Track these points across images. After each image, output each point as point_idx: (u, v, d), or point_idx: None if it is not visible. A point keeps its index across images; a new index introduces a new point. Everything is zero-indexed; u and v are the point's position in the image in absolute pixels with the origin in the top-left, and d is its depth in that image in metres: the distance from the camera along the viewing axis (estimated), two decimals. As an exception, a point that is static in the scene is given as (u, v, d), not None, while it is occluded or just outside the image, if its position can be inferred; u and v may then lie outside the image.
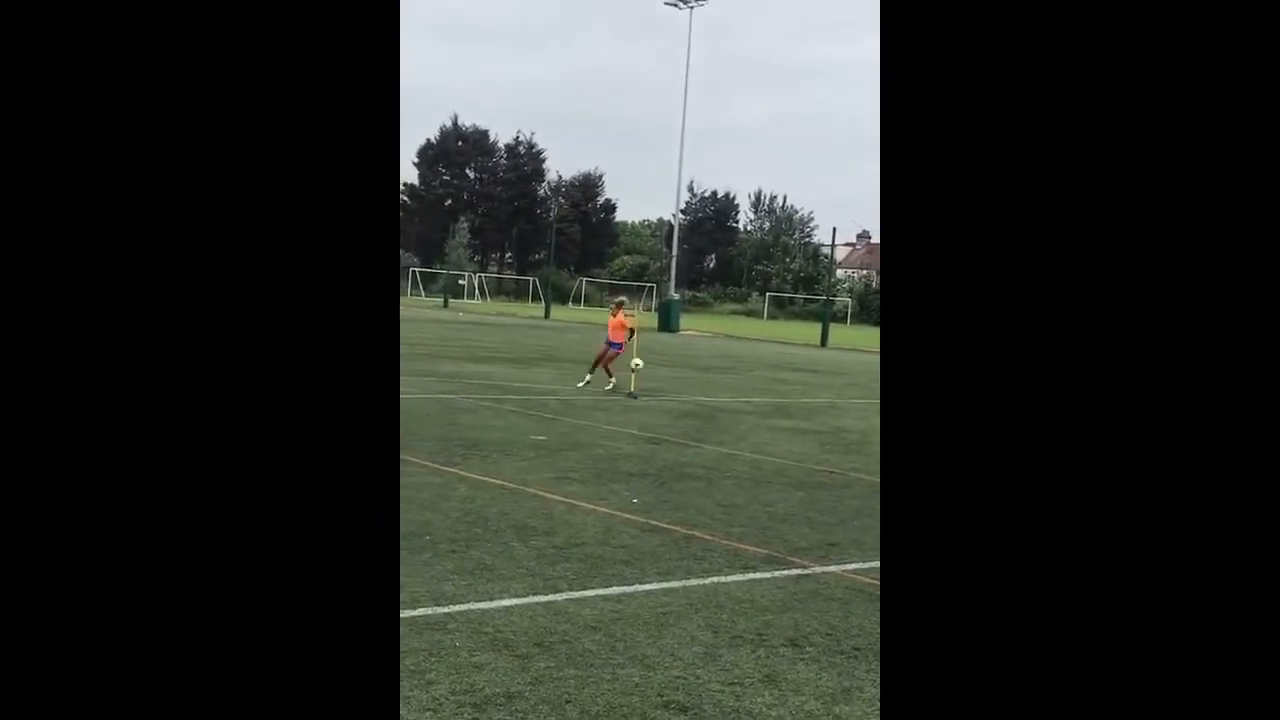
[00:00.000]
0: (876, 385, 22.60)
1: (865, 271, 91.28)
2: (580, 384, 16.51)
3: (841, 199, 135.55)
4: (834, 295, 65.27)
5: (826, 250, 69.50)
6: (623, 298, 18.04)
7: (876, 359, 33.73)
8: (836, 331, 47.76)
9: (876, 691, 4.48)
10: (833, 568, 6.53)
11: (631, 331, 16.76)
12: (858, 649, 5.02)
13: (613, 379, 16.60)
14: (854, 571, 6.47)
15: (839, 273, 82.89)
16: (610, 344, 16.74)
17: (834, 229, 48.80)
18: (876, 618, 5.53)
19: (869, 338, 51.01)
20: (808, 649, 4.97)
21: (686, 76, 54.88)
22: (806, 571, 6.39)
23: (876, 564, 6.69)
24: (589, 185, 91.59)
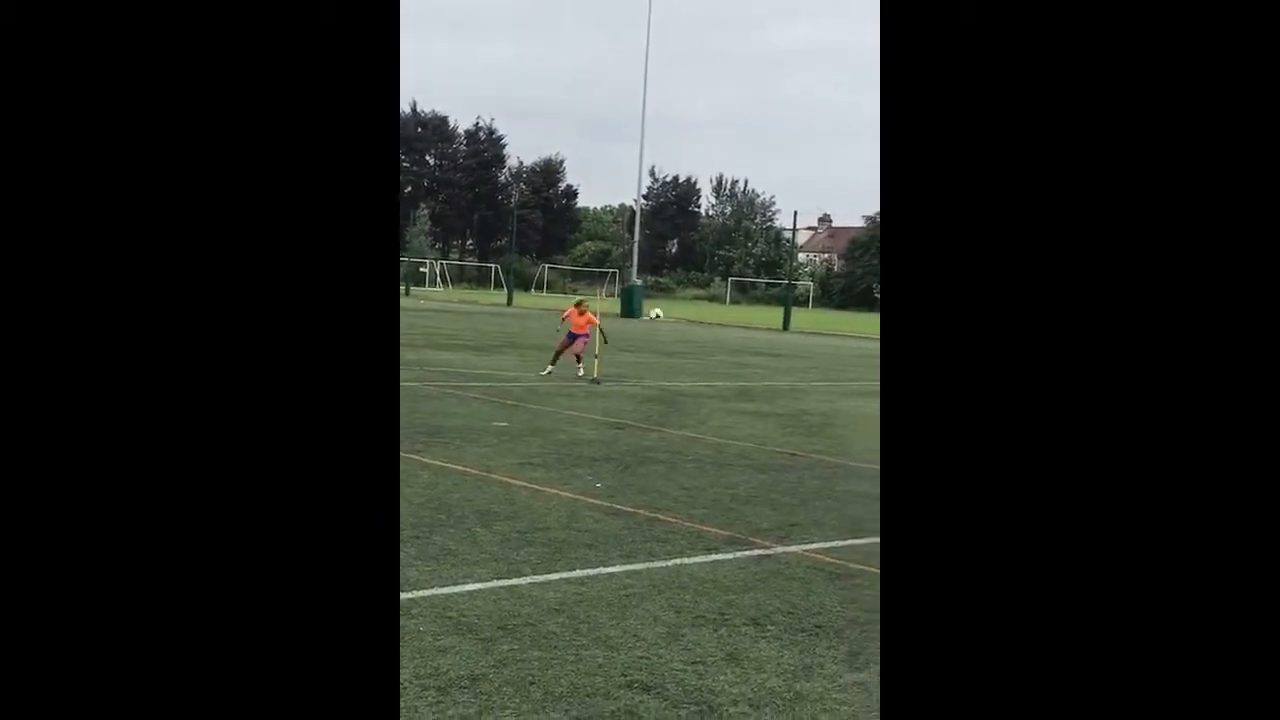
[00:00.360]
0: (838, 368, 22.76)
1: (826, 255, 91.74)
2: (543, 372, 16.52)
3: (802, 183, 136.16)
4: (796, 279, 65.56)
5: (788, 234, 69.85)
6: (581, 297, 18.30)
7: (838, 342, 33.96)
8: (798, 315, 47.99)
9: (837, 668, 4.55)
10: (794, 548, 6.60)
11: (600, 330, 16.89)
12: (819, 627, 5.09)
13: (581, 364, 16.62)
14: (815, 551, 6.55)
15: (800, 256, 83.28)
16: (573, 334, 16.74)
17: (795, 213, 49.19)
18: (837, 596, 5.61)
19: (831, 321, 51.33)
20: (769, 627, 5.03)
21: (646, 62, 54.88)
22: (768, 552, 6.46)
23: (837, 543, 6.78)
24: (550, 171, 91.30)
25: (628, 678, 4.28)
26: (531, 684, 4.14)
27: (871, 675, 4.49)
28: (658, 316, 15.94)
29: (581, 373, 16.44)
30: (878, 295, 77.27)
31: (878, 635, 4.97)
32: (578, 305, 17.26)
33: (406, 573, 5.47)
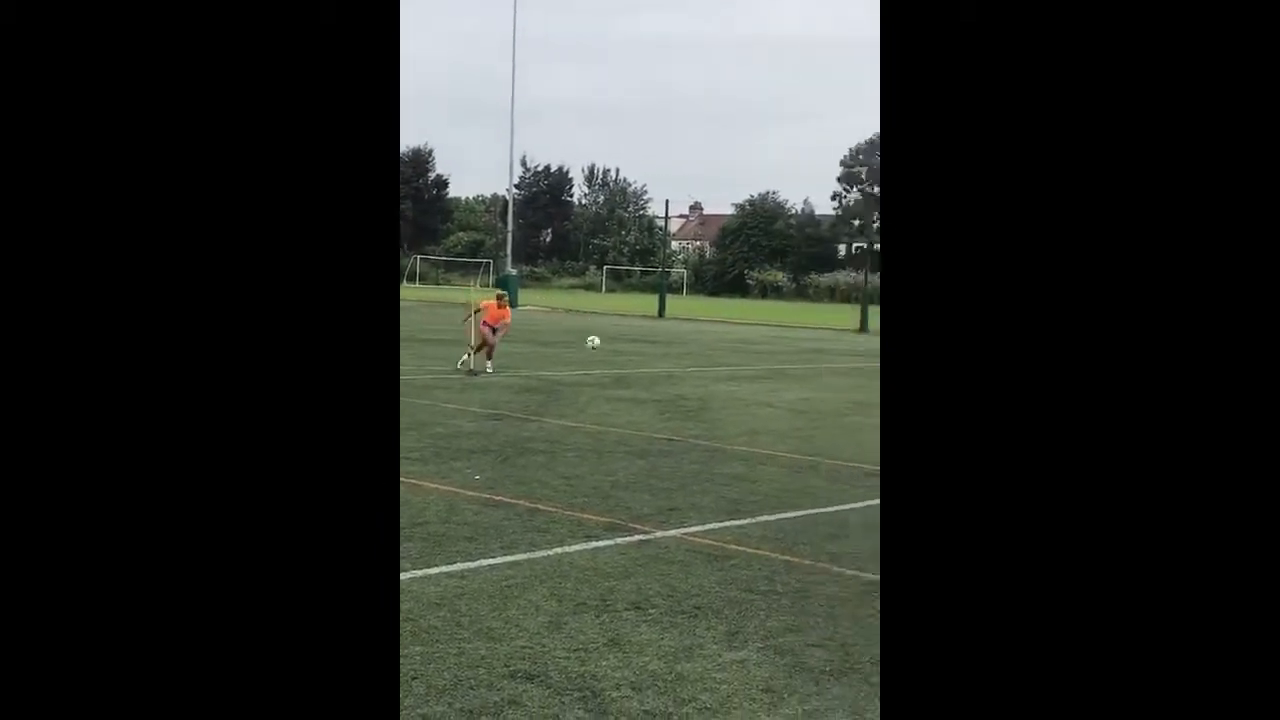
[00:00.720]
0: (712, 354, 23.05)
1: (699, 242, 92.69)
2: (485, 369, 16.25)
3: (673, 171, 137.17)
4: (669, 267, 66.10)
5: (660, 222, 70.35)
6: (502, 293, 18.10)
7: (712, 328, 34.40)
8: (673, 302, 48.45)
9: (716, 648, 4.65)
10: (673, 531, 6.70)
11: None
12: (698, 608, 5.18)
13: (470, 355, 16.37)
14: (693, 534, 6.66)
15: (673, 244, 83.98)
16: (492, 328, 16.52)
17: (666, 201, 49.68)
18: (715, 577, 5.72)
19: (704, 308, 51.95)
20: (650, 611, 5.10)
21: (514, 50, 54.39)
22: (648, 537, 6.54)
23: (714, 525, 6.90)
24: (419, 161, 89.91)
25: (510, 668, 4.30)
26: (414, 679, 4.12)
27: (750, 653, 4.61)
28: (594, 345, 15.57)
29: (461, 364, 16.28)
30: (750, 282, 78.56)
31: (755, 614, 5.11)
32: (499, 298, 17.03)
33: (282, 573, 5.36)
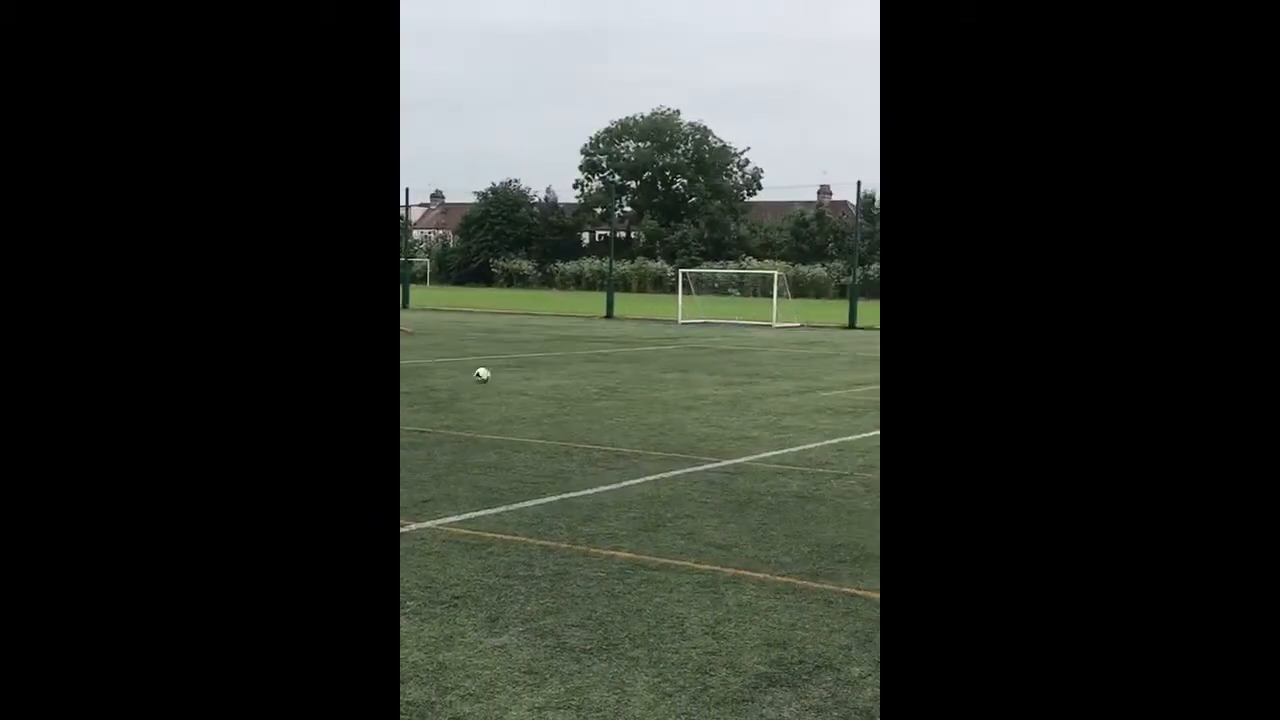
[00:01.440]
0: (460, 344, 22.87)
1: (441, 232, 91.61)
2: None
3: (412, 160, 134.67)
4: (412, 256, 64.97)
5: (401, 211, 68.93)
6: None
7: (459, 318, 34.13)
8: (417, 292, 47.75)
9: (477, 635, 4.67)
10: (428, 523, 6.64)
11: None
12: (457, 598, 5.18)
13: None
14: (449, 525, 6.63)
15: (415, 234, 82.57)
16: None
17: (407, 190, 48.64)
18: (473, 566, 5.73)
19: (450, 297, 51.47)
20: (409, 604, 5.05)
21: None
22: (403, 530, 6.45)
23: (470, 515, 6.90)
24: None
25: (265, 673, 4.16)
26: (159, 693, 3.92)
27: (511, 638, 4.65)
28: (481, 377, 14.87)
29: None
30: (495, 271, 78.35)
31: (515, 599, 5.15)
32: None
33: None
